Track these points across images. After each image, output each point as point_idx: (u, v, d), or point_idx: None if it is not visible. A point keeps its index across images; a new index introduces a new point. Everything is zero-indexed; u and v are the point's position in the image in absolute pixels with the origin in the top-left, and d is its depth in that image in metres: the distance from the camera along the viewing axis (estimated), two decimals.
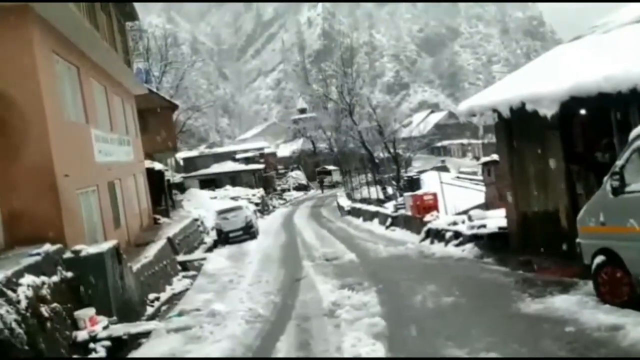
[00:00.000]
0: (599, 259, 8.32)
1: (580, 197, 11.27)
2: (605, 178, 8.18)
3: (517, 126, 12.88)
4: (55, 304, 9.04)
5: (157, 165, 30.60)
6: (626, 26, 12.05)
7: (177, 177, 44.26)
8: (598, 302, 8.19)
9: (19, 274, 8.53)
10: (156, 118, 31.66)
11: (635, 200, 7.62)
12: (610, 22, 13.08)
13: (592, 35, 12.81)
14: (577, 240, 8.94)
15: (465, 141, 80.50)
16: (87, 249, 11.04)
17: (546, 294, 9.23)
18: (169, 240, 19.82)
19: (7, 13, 11.35)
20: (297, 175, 73.36)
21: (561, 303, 8.53)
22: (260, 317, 10.65)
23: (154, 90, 33.86)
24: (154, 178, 28.28)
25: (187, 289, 15.56)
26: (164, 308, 13.42)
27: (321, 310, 10.53)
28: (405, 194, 26.29)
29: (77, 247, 10.99)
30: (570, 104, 10.38)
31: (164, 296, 14.62)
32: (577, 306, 8.22)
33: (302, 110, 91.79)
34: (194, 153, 57.32)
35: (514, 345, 7.10)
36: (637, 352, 6.20)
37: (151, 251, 16.46)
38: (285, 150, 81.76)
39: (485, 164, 27.29)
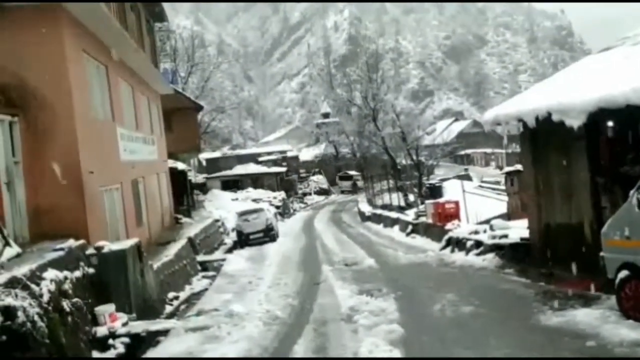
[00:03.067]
0: (623, 273, 8.19)
1: (605, 210, 11.09)
2: (632, 192, 8.06)
3: (542, 136, 12.73)
4: (76, 299, 9.17)
5: (180, 165, 30.88)
6: None
7: (200, 178, 44.65)
8: (621, 317, 8.07)
9: (43, 268, 8.66)
10: (181, 118, 31.91)
11: None
12: None
13: (621, 47, 12.64)
14: (601, 253, 8.81)
15: (488, 150, 79.75)
16: (110, 246, 11.17)
17: (568, 307, 9.11)
18: (190, 240, 19.96)
19: (40, 12, 11.56)
20: (319, 180, 73.32)
21: (583, 317, 8.42)
22: (278, 319, 10.67)
23: (180, 90, 34.16)
24: (177, 178, 28.52)
25: (206, 289, 15.66)
26: (182, 307, 13.51)
27: (339, 314, 10.53)
28: (427, 201, 26.18)
29: (100, 244, 11.13)
30: (598, 116, 10.24)
31: (183, 295, 14.73)
32: (599, 320, 8.10)
33: (326, 115, 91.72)
34: (217, 154, 57.74)
35: (533, 357, 7.01)
36: None
37: (172, 250, 16.60)
38: (307, 154, 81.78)
39: (508, 174, 27.05)
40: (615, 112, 9.85)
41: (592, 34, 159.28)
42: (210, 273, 18.53)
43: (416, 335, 8.54)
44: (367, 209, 40.43)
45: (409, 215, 27.98)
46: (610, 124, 11.00)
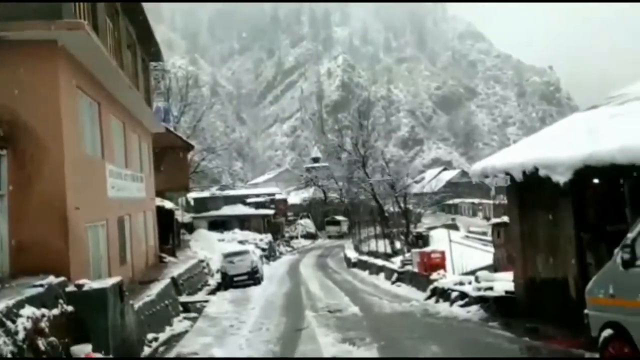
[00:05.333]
0: (607, 332, 8.14)
1: (590, 266, 11.11)
2: (617, 250, 8.07)
3: (529, 190, 12.85)
4: (52, 338, 8.95)
5: (168, 204, 30.76)
6: None
7: (187, 217, 44.41)
8: None
9: (20, 304, 8.49)
10: (171, 157, 31.94)
11: None
12: (627, 94, 13.19)
13: (607, 106, 12.90)
14: (585, 311, 8.77)
15: (476, 200, 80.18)
16: (90, 284, 10.98)
17: None
18: (173, 280, 19.76)
19: (37, 46, 11.67)
20: (306, 224, 73.28)
21: None
22: None
23: (172, 129, 34.30)
24: (163, 216, 28.40)
25: (187, 331, 15.41)
26: (161, 349, 13.25)
27: None
28: (414, 250, 26.19)
29: (81, 282, 10.94)
30: (584, 173, 10.37)
31: (162, 337, 14.47)
32: None
33: (316, 159, 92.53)
34: (205, 194, 57.56)
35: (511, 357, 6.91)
36: None
37: (154, 290, 16.39)
38: (296, 197, 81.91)
39: (495, 225, 27.11)
40: (601, 169, 9.98)
41: (580, 90, 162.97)
42: (192, 314, 18.28)
43: None
44: (353, 255, 40.32)
45: (395, 263, 27.91)
46: (596, 181, 11.12)
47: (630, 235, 7.83)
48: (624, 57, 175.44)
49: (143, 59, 23.90)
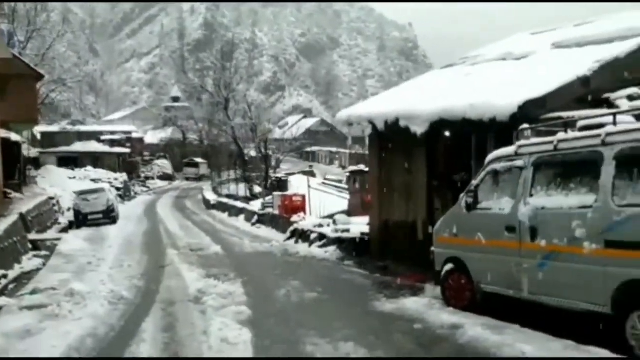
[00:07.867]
0: (448, 266, 9.24)
1: (437, 211, 12.32)
2: (462, 195, 9.11)
3: (389, 140, 13.77)
4: None
5: (14, 136, 28.64)
6: (492, 62, 13.48)
7: (33, 152, 41.59)
8: (443, 305, 9.08)
9: None
10: (17, 85, 29.42)
11: (483, 216, 8.61)
12: (479, 56, 14.51)
13: (462, 65, 14.11)
14: (432, 248, 9.82)
15: (333, 149, 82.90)
16: None
17: (399, 296, 10.05)
18: (22, 216, 18.72)
19: None
20: (163, 164, 71.55)
21: (412, 304, 9.34)
22: (123, 299, 10.47)
23: (18, 55, 31.56)
24: (9, 149, 26.42)
25: (38, 269, 14.86)
26: (11, 286, 12.71)
27: (187, 296, 10.61)
28: (275, 193, 26.90)
29: None
30: (439, 126, 11.38)
31: (12, 274, 13.84)
32: (426, 307, 9.06)
33: (176, 99, 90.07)
34: (54, 128, 53.74)
35: (370, 337, 7.72)
36: (472, 347, 7.06)
37: (1, 226, 15.51)
38: (153, 137, 79.27)
39: (352, 173, 28.59)
40: (454, 123, 11.03)
41: (434, 49, 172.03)
42: (43, 252, 17.57)
43: (264, 317, 8.92)
44: (212, 197, 40.38)
45: (255, 206, 28.49)
46: (447, 134, 12.22)
47: (474, 183, 8.87)
48: (479, 23, 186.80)
49: None
